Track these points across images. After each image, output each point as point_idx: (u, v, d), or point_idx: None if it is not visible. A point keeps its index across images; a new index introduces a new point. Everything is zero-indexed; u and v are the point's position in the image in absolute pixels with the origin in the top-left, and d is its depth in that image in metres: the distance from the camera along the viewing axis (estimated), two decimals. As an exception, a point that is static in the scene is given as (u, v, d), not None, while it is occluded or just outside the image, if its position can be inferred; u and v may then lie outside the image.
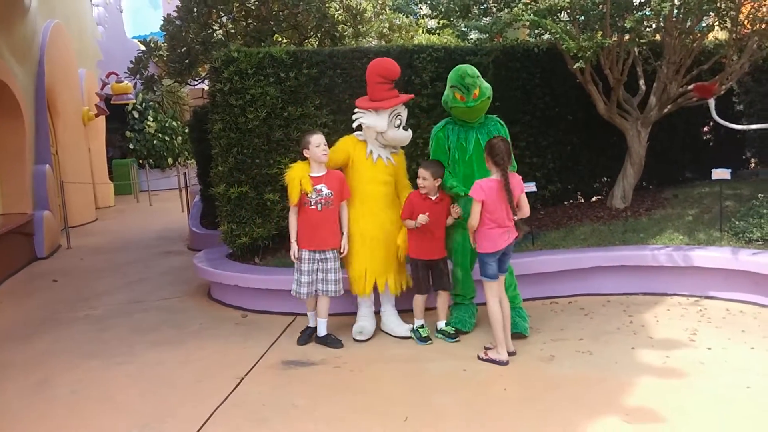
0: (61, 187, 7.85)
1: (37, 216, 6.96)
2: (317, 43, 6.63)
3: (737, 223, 4.24)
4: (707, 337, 3.39)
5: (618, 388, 2.85)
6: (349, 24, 6.73)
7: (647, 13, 4.54)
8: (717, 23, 4.75)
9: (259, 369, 3.33)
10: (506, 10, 4.46)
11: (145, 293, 5.13)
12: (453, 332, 3.57)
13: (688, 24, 4.67)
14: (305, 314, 3.93)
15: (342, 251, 3.59)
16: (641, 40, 4.72)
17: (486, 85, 3.57)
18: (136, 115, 14.26)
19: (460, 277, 3.72)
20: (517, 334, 3.44)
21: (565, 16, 4.68)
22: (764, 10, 4.53)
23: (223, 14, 6.41)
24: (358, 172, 3.66)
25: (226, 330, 4.01)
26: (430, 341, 3.55)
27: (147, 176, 13.14)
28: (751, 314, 3.73)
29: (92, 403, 3.02)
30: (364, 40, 7.10)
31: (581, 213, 5.18)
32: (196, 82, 7.12)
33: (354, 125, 3.68)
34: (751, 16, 4.59)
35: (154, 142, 14.34)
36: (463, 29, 5.05)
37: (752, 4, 4.51)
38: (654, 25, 4.78)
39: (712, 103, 4.86)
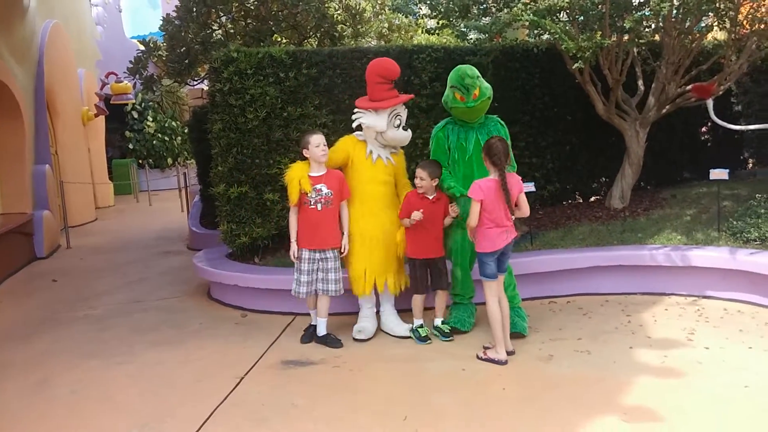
0: (61, 187, 7.86)
1: (36, 216, 6.96)
2: (316, 43, 6.64)
3: (735, 223, 4.25)
4: (705, 337, 3.40)
5: (616, 387, 2.86)
6: (348, 24, 6.74)
7: (646, 14, 4.55)
8: (716, 23, 4.77)
9: (259, 369, 3.34)
10: (505, 10, 4.47)
11: (145, 293, 5.13)
12: (448, 331, 3.59)
13: (687, 24, 4.69)
14: (305, 314, 3.94)
15: (343, 251, 3.60)
16: (640, 41, 4.73)
17: (486, 85, 3.58)
18: (136, 115, 14.26)
19: (460, 276, 3.73)
20: (516, 334, 3.45)
21: (565, 16, 4.69)
22: (763, 10, 4.55)
23: (222, 14, 6.42)
24: (358, 172, 3.67)
25: (226, 330, 4.02)
26: (429, 341, 3.56)
27: (146, 176, 13.14)
28: (749, 314, 3.75)
29: (92, 402, 3.03)
30: (363, 40, 7.11)
31: (580, 213, 5.19)
32: (195, 82, 7.13)
33: (353, 125, 3.69)
34: (750, 16, 4.60)
35: (154, 142, 14.34)
36: (463, 29, 5.06)
37: (751, 4, 4.52)
38: (653, 26, 4.79)
39: (710, 103, 4.87)
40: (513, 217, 3.20)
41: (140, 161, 14.24)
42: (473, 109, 3.54)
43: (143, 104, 14.27)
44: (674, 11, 4.52)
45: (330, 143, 3.67)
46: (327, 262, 3.56)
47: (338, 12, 6.65)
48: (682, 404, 2.67)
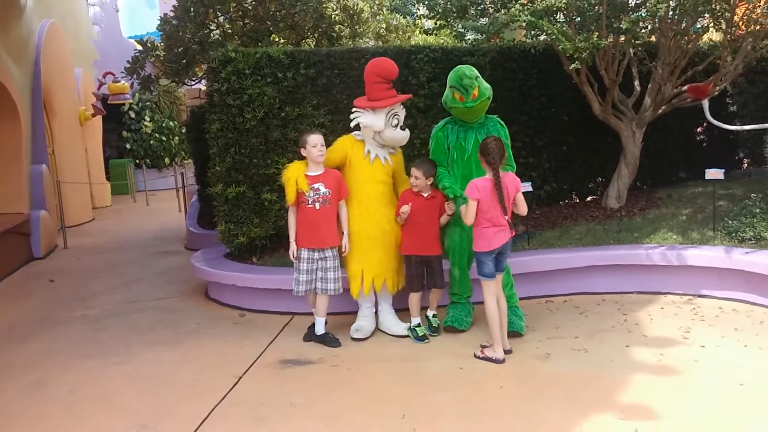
0: (58, 187, 7.84)
1: (33, 216, 6.95)
2: (314, 43, 6.64)
3: (730, 222, 4.28)
4: (701, 335, 3.42)
5: (613, 385, 2.88)
6: (346, 24, 6.75)
7: (643, 15, 4.58)
8: (712, 25, 4.80)
9: (257, 368, 3.34)
10: (503, 11, 4.49)
11: (142, 293, 5.13)
12: (436, 326, 3.67)
13: (683, 25, 4.71)
14: (303, 313, 3.95)
15: (344, 250, 3.61)
16: (637, 41, 4.75)
17: (486, 85, 3.58)
18: (133, 115, 14.22)
19: (457, 276, 3.74)
20: (513, 333, 3.46)
21: (562, 17, 4.71)
22: (759, 11, 4.58)
23: (220, 14, 6.41)
24: (356, 172, 3.68)
25: (224, 329, 4.02)
26: (427, 340, 3.57)
27: (144, 176, 13.10)
28: (744, 312, 3.77)
29: (89, 403, 3.03)
30: (361, 40, 7.12)
31: (576, 213, 5.21)
32: (193, 82, 7.12)
33: (351, 124, 3.70)
34: (745, 17, 4.63)
35: (151, 142, 14.31)
36: (460, 30, 5.08)
37: (747, 5, 4.55)
38: (649, 26, 4.81)
39: (706, 104, 4.90)
40: (506, 217, 3.20)
41: (137, 161, 14.20)
42: (472, 109, 3.55)
43: (140, 104, 14.24)
44: (670, 12, 4.54)
45: (328, 143, 3.68)
46: (326, 261, 3.57)
47: (336, 12, 6.66)
48: (678, 402, 2.69)
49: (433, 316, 3.74)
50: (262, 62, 4.53)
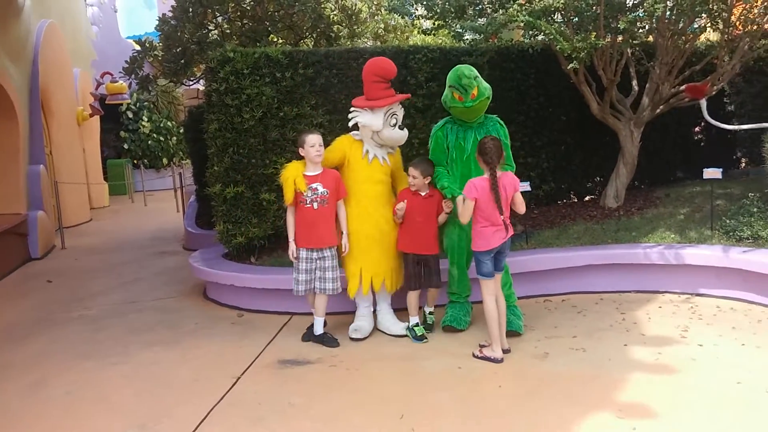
0: (56, 188, 7.82)
1: (31, 216, 6.93)
2: (313, 43, 6.64)
3: (728, 221, 4.29)
4: (698, 334, 3.43)
5: (611, 384, 2.88)
6: (344, 24, 6.75)
7: (640, 15, 4.59)
8: (709, 25, 4.81)
9: (255, 368, 3.34)
10: (501, 11, 4.50)
11: (140, 293, 5.12)
12: (431, 323, 3.71)
13: (681, 25, 4.72)
14: (301, 313, 3.95)
15: (344, 250, 3.61)
16: (634, 41, 4.76)
17: (485, 85, 3.58)
18: (131, 115, 14.20)
19: (456, 275, 3.75)
20: (512, 332, 3.47)
21: (560, 17, 4.72)
22: (756, 11, 4.59)
23: (218, 14, 6.41)
24: (354, 172, 3.68)
25: (222, 329, 4.02)
26: (425, 339, 3.57)
27: (142, 176, 13.08)
28: (742, 311, 3.78)
29: (88, 403, 3.02)
30: (359, 40, 7.12)
31: (574, 212, 5.22)
32: (191, 82, 7.12)
33: (350, 124, 3.70)
34: (742, 17, 4.64)
35: (149, 142, 14.29)
36: (459, 30, 5.08)
37: (744, 5, 4.57)
38: (647, 26, 4.82)
39: (703, 103, 4.91)
40: (503, 217, 3.19)
41: (135, 161, 14.18)
42: (471, 108, 3.55)
43: (138, 104, 14.22)
44: (668, 12, 4.55)
45: (326, 143, 3.68)
46: (324, 261, 3.57)
47: (334, 12, 6.66)
48: (676, 401, 2.69)
49: (430, 313, 3.76)
50: (260, 62, 4.53)
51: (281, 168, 3.72)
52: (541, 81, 5.34)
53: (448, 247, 3.73)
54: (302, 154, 3.56)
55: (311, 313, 3.72)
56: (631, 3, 4.66)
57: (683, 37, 4.81)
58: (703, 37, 5.58)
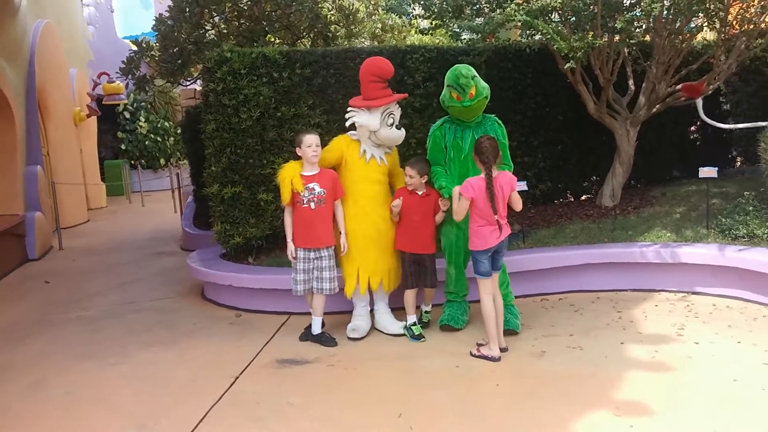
0: (53, 188, 7.81)
1: (28, 217, 6.92)
2: (310, 43, 6.64)
3: (723, 220, 4.31)
4: (695, 332, 3.45)
5: (608, 382, 2.90)
6: (341, 24, 6.75)
7: (637, 14, 4.60)
8: (706, 24, 4.82)
9: (254, 368, 3.35)
10: (498, 11, 4.50)
11: (138, 294, 5.12)
12: (426, 321, 3.73)
13: (678, 25, 4.74)
14: (299, 313, 3.95)
15: (342, 250, 3.62)
16: (631, 41, 4.77)
17: (483, 84, 3.58)
18: (128, 116, 14.18)
19: (454, 274, 3.75)
20: (509, 331, 3.48)
21: (557, 16, 4.73)
22: (752, 11, 4.61)
23: (215, 14, 6.40)
24: (351, 172, 3.69)
25: (220, 330, 4.02)
26: (423, 338, 3.58)
27: (139, 177, 13.06)
28: (738, 309, 3.80)
29: (86, 404, 3.03)
30: (356, 40, 7.12)
31: (571, 211, 5.24)
32: (188, 83, 7.11)
33: (347, 124, 3.71)
34: (739, 17, 4.66)
35: (146, 142, 14.26)
36: (456, 30, 5.08)
37: (741, 5, 4.58)
38: (644, 26, 4.84)
39: (699, 102, 4.93)
40: (496, 216, 3.19)
41: (132, 162, 14.15)
42: (469, 108, 3.56)
43: (135, 105, 14.19)
44: (665, 12, 4.57)
45: (324, 143, 3.68)
46: (321, 261, 3.58)
47: (331, 12, 6.66)
48: (673, 398, 2.71)
49: (426, 312, 3.77)
50: (257, 62, 4.53)
51: (279, 168, 3.73)
52: (538, 80, 5.35)
53: (445, 247, 3.74)
54: (299, 154, 3.57)
55: (309, 313, 3.72)
56: (628, 2, 4.67)
57: (680, 37, 4.83)
58: (699, 37, 5.60)
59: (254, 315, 4.27)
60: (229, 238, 4.62)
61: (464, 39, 5.22)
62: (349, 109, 3.69)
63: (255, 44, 5.94)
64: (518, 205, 3.33)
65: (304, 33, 6.56)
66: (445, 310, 3.77)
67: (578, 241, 4.48)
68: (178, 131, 12.33)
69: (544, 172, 5.48)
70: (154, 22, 6.53)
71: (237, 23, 6.41)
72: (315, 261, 3.58)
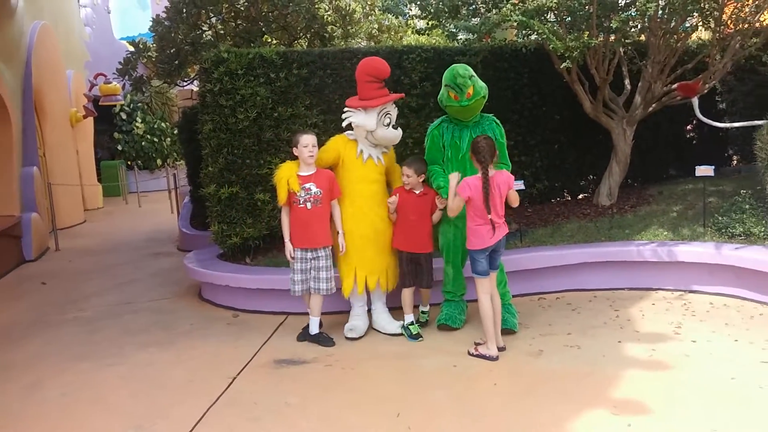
0: (49, 189, 7.78)
1: (24, 218, 6.89)
2: (307, 43, 6.64)
3: (720, 218, 4.33)
4: (692, 330, 3.46)
5: (605, 381, 2.90)
6: (338, 25, 6.75)
7: (633, 14, 4.61)
8: (701, 23, 4.84)
9: (251, 368, 3.34)
10: (495, 11, 4.51)
11: (135, 294, 5.11)
12: (424, 321, 3.75)
13: (673, 24, 4.76)
14: (297, 313, 3.95)
15: (340, 250, 3.62)
16: (627, 40, 4.79)
17: (481, 84, 3.58)
18: (124, 117, 14.14)
19: (451, 274, 3.76)
20: (507, 330, 3.48)
21: (553, 16, 4.74)
22: (747, 10, 4.63)
23: (212, 15, 6.40)
24: (349, 171, 3.69)
25: (218, 330, 4.02)
26: (420, 338, 3.59)
27: (136, 178, 13.02)
28: (735, 307, 3.82)
29: (84, 405, 3.02)
30: (353, 40, 7.12)
31: (568, 210, 5.25)
32: (185, 83, 7.10)
33: (344, 124, 3.71)
34: (734, 16, 4.68)
35: (143, 143, 14.23)
36: (452, 30, 5.09)
37: (735, 4, 4.60)
38: (639, 26, 4.85)
39: (695, 101, 4.95)
40: (490, 216, 3.19)
41: (129, 163, 14.12)
42: (467, 107, 3.56)
43: (132, 105, 14.16)
44: (660, 11, 4.58)
45: (321, 143, 3.68)
46: (318, 261, 3.58)
47: (328, 13, 6.66)
48: (670, 396, 2.72)
49: (423, 312, 3.78)
50: (254, 63, 4.53)
51: (276, 168, 3.73)
52: (534, 80, 5.36)
53: (443, 246, 3.74)
54: (296, 155, 3.57)
55: (307, 313, 3.72)
56: (623, 2, 4.69)
57: (675, 36, 4.85)
58: (694, 36, 5.63)
59: (252, 315, 4.27)
60: (227, 239, 4.61)
61: (461, 39, 5.23)
62: (345, 109, 3.69)
63: (252, 45, 5.94)
64: (515, 202, 3.34)
65: (301, 33, 6.56)
66: (442, 309, 3.78)
67: (575, 240, 4.49)
68: (175, 132, 12.32)
69: (541, 171, 5.49)
70: (151, 23, 6.53)
71: (234, 24, 6.41)
72: (312, 261, 3.58)
